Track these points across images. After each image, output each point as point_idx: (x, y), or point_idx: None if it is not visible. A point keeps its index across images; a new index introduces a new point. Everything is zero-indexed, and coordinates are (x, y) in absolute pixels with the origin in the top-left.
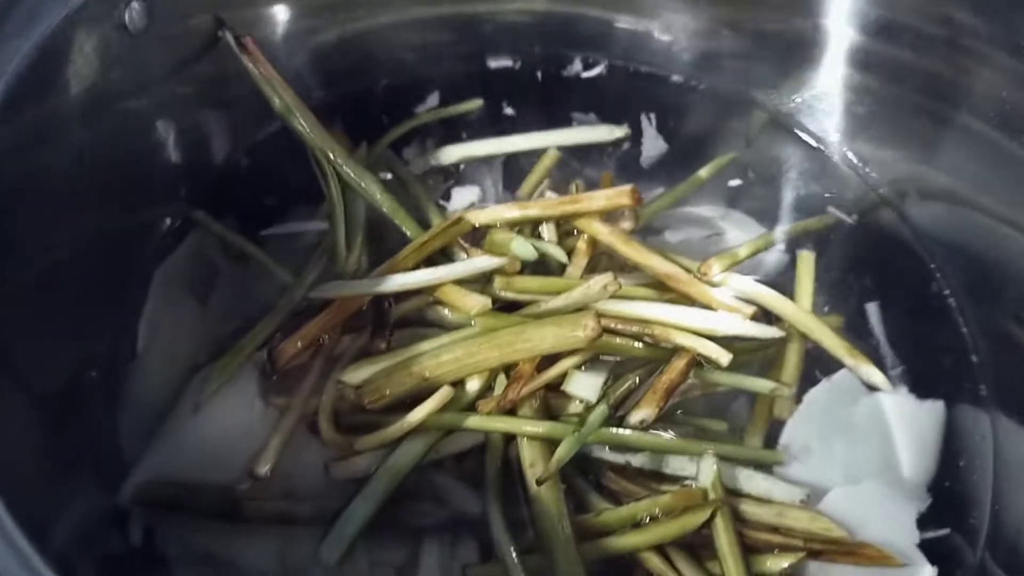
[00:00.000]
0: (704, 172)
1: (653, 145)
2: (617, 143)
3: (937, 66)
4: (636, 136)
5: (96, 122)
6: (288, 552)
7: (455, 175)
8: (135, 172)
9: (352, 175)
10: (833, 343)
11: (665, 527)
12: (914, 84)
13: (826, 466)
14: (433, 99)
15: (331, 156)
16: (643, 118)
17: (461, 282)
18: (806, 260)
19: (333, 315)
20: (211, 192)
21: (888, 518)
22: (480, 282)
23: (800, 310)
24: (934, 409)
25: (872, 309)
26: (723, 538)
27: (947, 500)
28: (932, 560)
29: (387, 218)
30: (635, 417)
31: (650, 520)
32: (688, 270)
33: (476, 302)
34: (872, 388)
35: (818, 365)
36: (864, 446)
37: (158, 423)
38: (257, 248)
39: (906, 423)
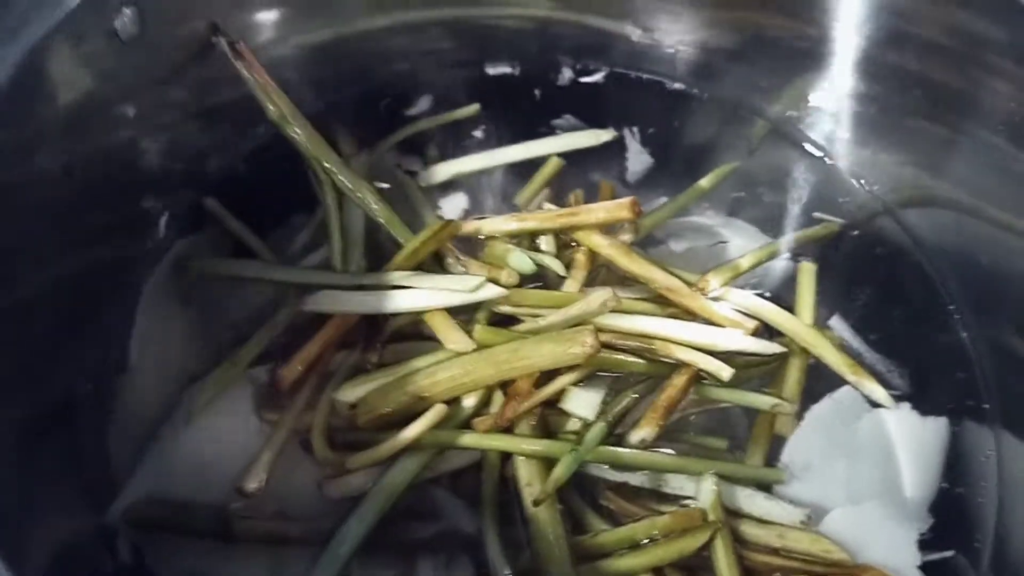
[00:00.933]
0: (706, 181)
1: (637, 160)
2: (616, 151)
3: (944, 76)
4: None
5: (86, 131)
6: (280, 573)
7: (453, 183)
8: (126, 183)
9: (347, 184)
10: (834, 358)
11: (664, 549)
12: (920, 93)
13: (828, 485)
14: (425, 103)
15: (326, 164)
16: (627, 132)
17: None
18: (807, 272)
19: (332, 333)
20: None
21: (890, 539)
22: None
23: (801, 324)
24: (937, 426)
25: (874, 322)
26: (722, 561)
27: (950, 521)
28: None
29: (384, 227)
30: (635, 437)
31: (649, 541)
32: (689, 283)
33: (459, 341)
34: (874, 404)
35: (820, 381)
36: (866, 465)
37: (149, 439)
38: (251, 258)
39: (909, 441)
